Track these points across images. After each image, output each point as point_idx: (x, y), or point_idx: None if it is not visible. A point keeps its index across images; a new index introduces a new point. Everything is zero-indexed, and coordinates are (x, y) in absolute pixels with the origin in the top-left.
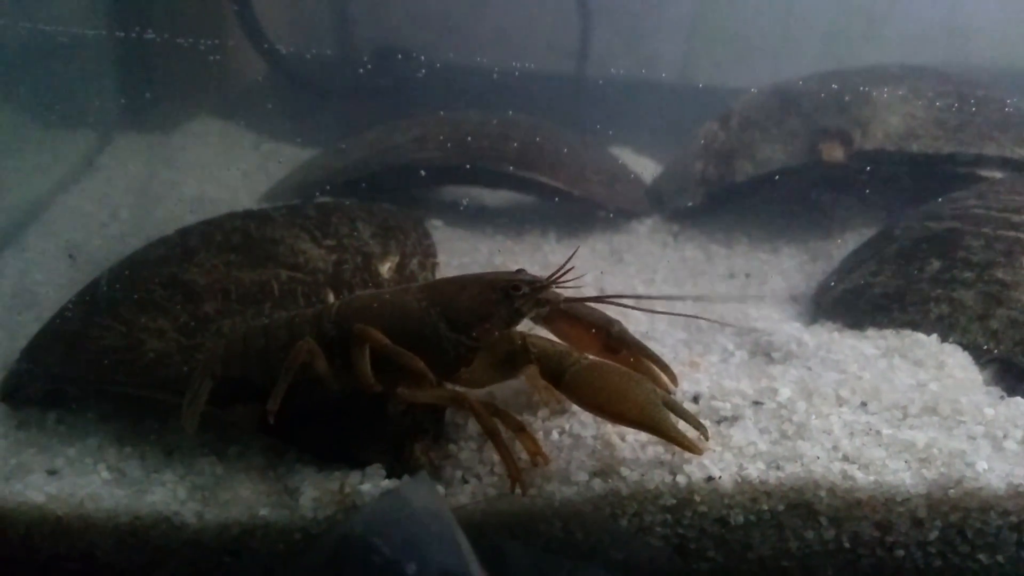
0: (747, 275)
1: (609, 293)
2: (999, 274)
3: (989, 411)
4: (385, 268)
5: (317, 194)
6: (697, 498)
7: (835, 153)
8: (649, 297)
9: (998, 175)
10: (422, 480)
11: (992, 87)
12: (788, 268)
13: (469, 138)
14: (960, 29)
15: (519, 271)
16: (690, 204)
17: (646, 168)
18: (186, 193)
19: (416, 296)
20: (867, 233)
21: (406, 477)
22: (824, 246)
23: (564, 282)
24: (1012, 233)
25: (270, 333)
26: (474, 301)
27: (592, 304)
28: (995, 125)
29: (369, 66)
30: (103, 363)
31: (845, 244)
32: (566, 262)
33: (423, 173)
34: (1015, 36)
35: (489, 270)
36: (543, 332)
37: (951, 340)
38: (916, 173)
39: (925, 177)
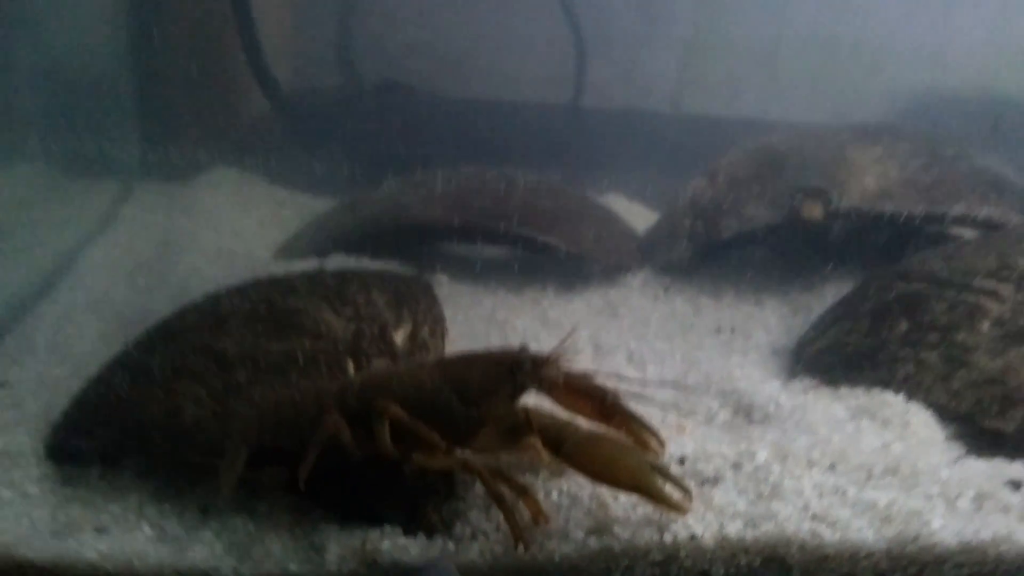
0: (732, 329)
1: (605, 352)
2: (960, 337)
3: (944, 472)
4: (399, 336)
5: (330, 252)
6: (682, 554)
7: (814, 211)
8: (640, 379)
9: (968, 233)
10: (444, 569)
11: (962, 146)
12: (771, 322)
13: (471, 198)
14: (945, 57)
15: (522, 348)
16: (679, 259)
17: (639, 215)
18: (205, 244)
19: (429, 372)
20: (845, 287)
21: (428, 558)
22: (806, 299)
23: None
24: (973, 298)
25: (299, 405)
26: (481, 378)
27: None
28: (963, 185)
29: (372, 101)
30: (144, 427)
31: (825, 298)
32: (565, 338)
33: (429, 232)
34: (998, 62)
35: (493, 325)
36: (546, 399)
37: (917, 399)
38: (891, 231)
39: (900, 234)
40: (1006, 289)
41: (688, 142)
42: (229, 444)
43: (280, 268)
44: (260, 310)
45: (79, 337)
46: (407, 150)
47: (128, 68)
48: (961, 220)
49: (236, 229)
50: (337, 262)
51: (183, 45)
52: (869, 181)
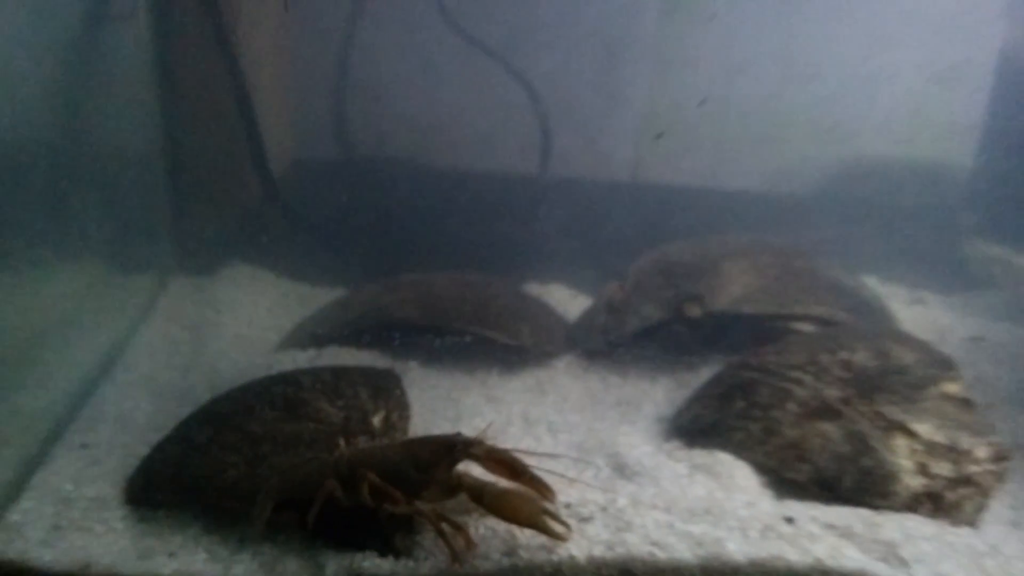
0: (628, 403)
1: (531, 423)
2: (775, 413)
3: (743, 511)
4: (376, 421)
5: (326, 344)
6: (564, 568)
7: (694, 311)
8: (546, 449)
9: (807, 328)
10: None
11: (812, 257)
12: (659, 397)
13: (437, 299)
14: (872, 127)
15: (457, 434)
16: (596, 346)
17: (579, 305)
18: (227, 332)
19: (395, 449)
20: (716, 370)
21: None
22: (688, 378)
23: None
24: (786, 384)
25: (307, 471)
26: (430, 454)
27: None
28: (804, 290)
29: (366, 173)
30: (198, 483)
31: (702, 378)
32: (486, 428)
33: (403, 327)
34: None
35: (448, 402)
36: (477, 466)
37: (742, 458)
38: (751, 327)
39: (758, 329)
40: (808, 378)
41: (646, 212)
42: (259, 497)
43: (287, 358)
44: (277, 401)
45: (136, 409)
46: (396, 222)
47: (161, 168)
48: (801, 318)
49: (251, 318)
50: (332, 352)
51: (205, 147)
52: (735, 288)
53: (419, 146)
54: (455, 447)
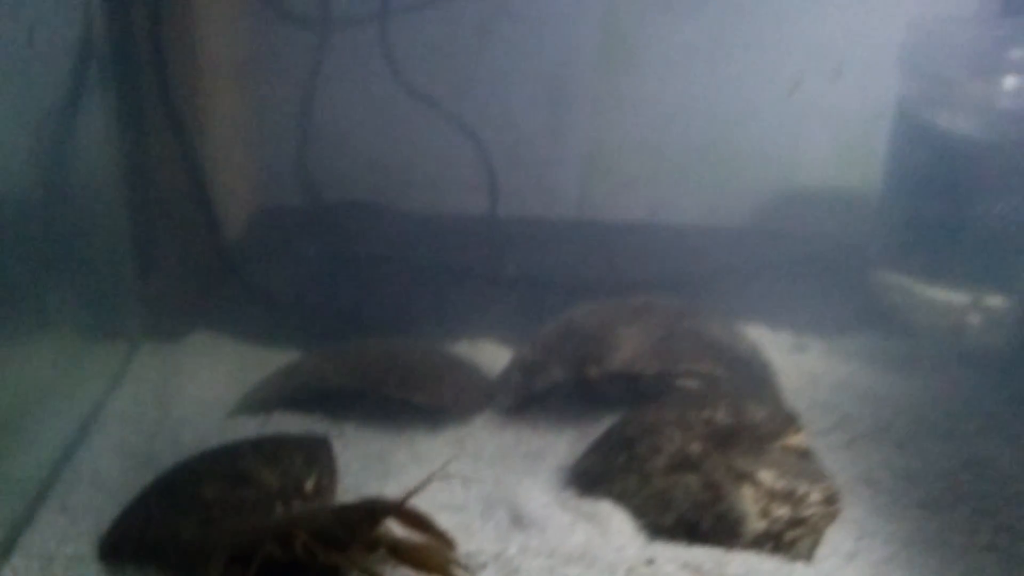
0: (536, 456)
1: (449, 476)
2: (648, 466)
3: (613, 556)
4: (309, 485)
5: (273, 409)
6: None
7: (593, 371)
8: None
9: (692, 382)
10: None
11: (700, 317)
12: (563, 450)
13: (370, 366)
14: (801, 159)
15: (378, 497)
16: (511, 403)
17: (505, 359)
18: (189, 397)
19: (325, 512)
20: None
21: None
22: (591, 431)
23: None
24: (659, 440)
25: (250, 532)
26: (354, 515)
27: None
28: (686, 349)
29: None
30: (159, 541)
31: (601, 429)
32: (406, 497)
33: (340, 393)
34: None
35: (379, 460)
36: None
37: (621, 506)
38: (644, 384)
39: (649, 386)
40: (677, 434)
41: (590, 248)
42: (211, 556)
43: (239, 424)
44: (225, 470)
45: (110, 473)
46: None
47: (127, 236)
48: (683, 374)
49: (211, 385)
50: (278, 416)
51: (167, 213)
52: (627, 350)
53: (376, 189)
54: (375, 511)
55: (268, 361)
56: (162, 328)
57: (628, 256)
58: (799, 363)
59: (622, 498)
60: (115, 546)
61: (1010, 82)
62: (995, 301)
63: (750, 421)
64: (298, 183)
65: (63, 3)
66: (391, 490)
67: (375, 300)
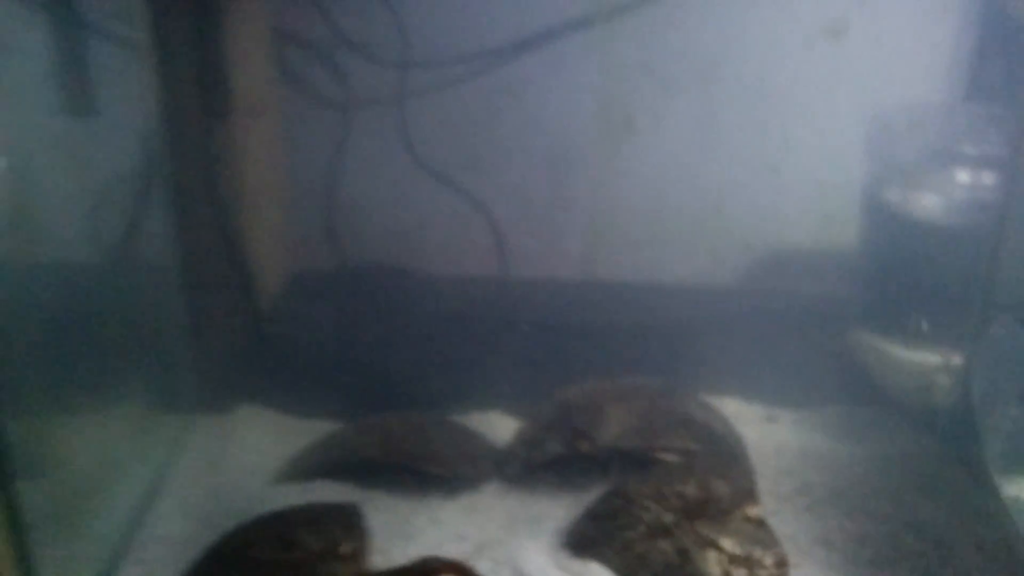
0: (537, 520)
1: (463, 539)
2: (630, 534)
3: None
4: (346, 548)
5: (314, 477)
6: None
7: (584, 446)
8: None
9: (670, 456)
10: None
11: (678, 396)
12: (561, 515)
13: (395, 439)
14: (784, 217)
15: (432, 557)
16: (515, 473)
17: (510, 428)
18: (239, 466)
19: (393, 572)
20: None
21: None
22: (585, 498)
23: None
24: (639, 511)
25: None
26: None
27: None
28: (664, 426)
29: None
30: None
31: (593, 497)
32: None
33: (370, 465)
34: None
35: (401, 526)
36: None
37: (608, 567)
38: (629, 457)
39: (634, 459)
40: (653, 506)
41: (595, 309)
42: None
43: (284, 490)
44: (273, 534)
45: (177, 533)
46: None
47: (182, 314)
48: (662, 449)
49: (259, 450)
50: (318, 483)
51: (215, 289)
52: (615, 427)
53: (396, 254)
54: (434, 569)
55: (307, 431)
56: (214, 401)
57: (628, 312)
58: (769, 434)
59: (609, 560)
60: None
61: (963, 175)
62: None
63: (715, 495)
64: (328, 249)
65: (129, 104)
66: (415, 551)
67: (401, 372)
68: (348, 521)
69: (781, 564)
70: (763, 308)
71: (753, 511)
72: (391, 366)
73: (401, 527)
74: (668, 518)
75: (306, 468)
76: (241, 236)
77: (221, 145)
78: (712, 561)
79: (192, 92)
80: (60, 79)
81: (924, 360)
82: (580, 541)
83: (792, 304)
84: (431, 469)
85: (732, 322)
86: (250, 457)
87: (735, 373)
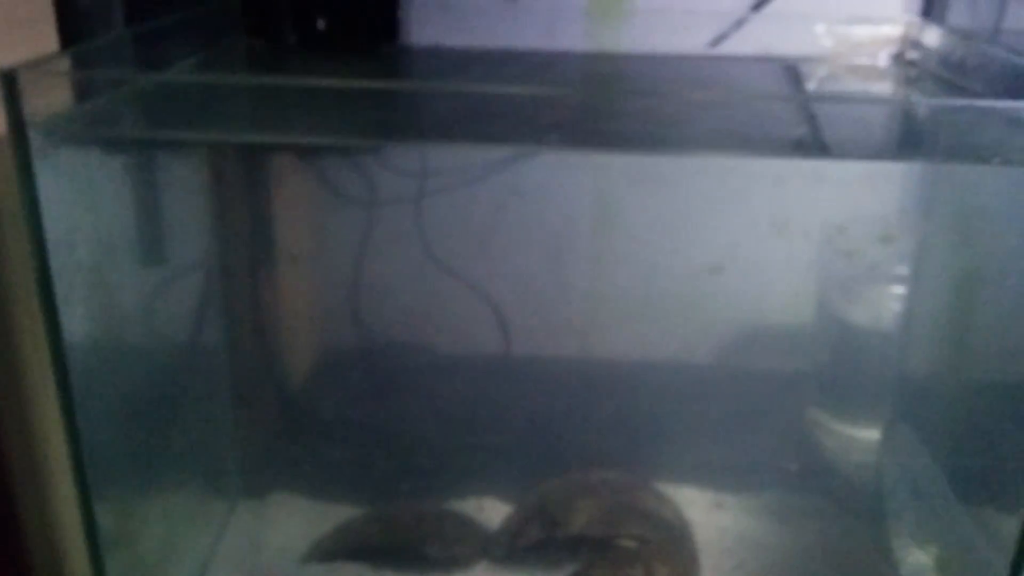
0: None
1: None
2: None
3: None
4: None
5: (337, 560)
6: None
7: (558, 533)
8: None
9: (629, 543)
10: None
11: (638, 489)
12: None
13: (396, 526)
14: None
15: None
16: (501, 555)
17: (501, 512)
18: (277, 545)
19: None
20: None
21: None
22: (559, 574)
23: None
24: None
25: None
26: None
27: None
28: (624, 515)
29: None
30: None
31: (566, 573)
32: None
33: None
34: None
35: None
36: None
37: None
38: (596, 542)
39: (600, 543)
40: None
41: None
42: None
43: (310, 570)
44: None
45: None
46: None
47: (228, 403)
48: (623, 536)
49: (289, 535)
50: (338, 565)
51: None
52: (584, 517)
53: (413, 336)
54: None
55: (331, 515)
56: (252, 487)
57: (621, 387)
58: (716, 521)
59: None
60: None
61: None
62: None
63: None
64: (352, 333)
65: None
66: None
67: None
68: None
69: None
70: (727, 390)
71: None
72: (402, 454)
73: None
74: None
75: (328, 551)
76: (272, 343)
77: (265, 285)
78: None
79: (243, 243)
80: (140, 233)
81: (871, 436)
82: None
83: (758, 383)
84: (430, 551)
85: (697, 413)
86: (282, 539)
87: (694, 460)
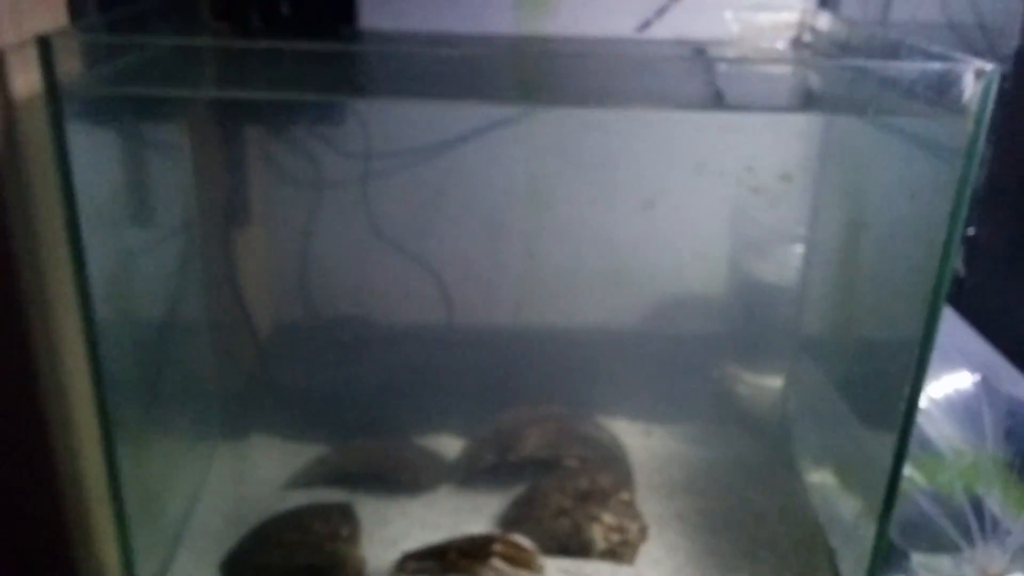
0: (478, 510)
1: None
2: (541, 514)
3: None
4: (344, 532)
5: (316, 485)
6: None
7: (511, 456)
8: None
9: (573, 462)
10: None
11: (578, 419)
12: (495, 504)
13: (368, 455)
14: None
15: (488, 534)
16: (460, 479)
17: (458, 447)
18: (259, 478)
19: (460, 540)
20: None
21: None
22: (512, 492)
23: None
24: (547, 499)
25: (311, 563)
26: (479, 541)
27: None
28: (567, 440)
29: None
30: (260, 566)
31: (518, 492)
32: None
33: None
34: None
35: (379, 519)
36: None
37: (529, 537)
38: (545, 463)
39: (547, 464)
40: (557, 495)
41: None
42: None
43: (293, 496)
44: (292, 523)
45: (218, 527)
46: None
47: (207, 361)
48: (567, 457)
49: (269, 468)
50: (317, 491)
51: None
52: (533, 442)
53: (360, 308)
54: (491, 539)
55: (304, 452)
56: (232, 430)
57: (548, 351)
58: (646, 445)
59: (527, 533)
60: (231, 568)
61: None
62: None
63: (599, 486)
64: (302, 305)
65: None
66: (391, 534)
67: (373, 404)
68: (344, 514)
69: (642, 530)
70: (652, 346)
71: (625, 496)
72: (365, 400)
73: (380, 518)
74: (567, 503)
75: (307, 479)
76: (246, 298)
77: (238, 242)
78: (596, 531)
79: (219, 204)
80: (129, 196)
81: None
82: (507, 522)
83: (676, 342)
84: (399, 477)
85: (625, 358)
86: (263, 473)
87: (624, 399)
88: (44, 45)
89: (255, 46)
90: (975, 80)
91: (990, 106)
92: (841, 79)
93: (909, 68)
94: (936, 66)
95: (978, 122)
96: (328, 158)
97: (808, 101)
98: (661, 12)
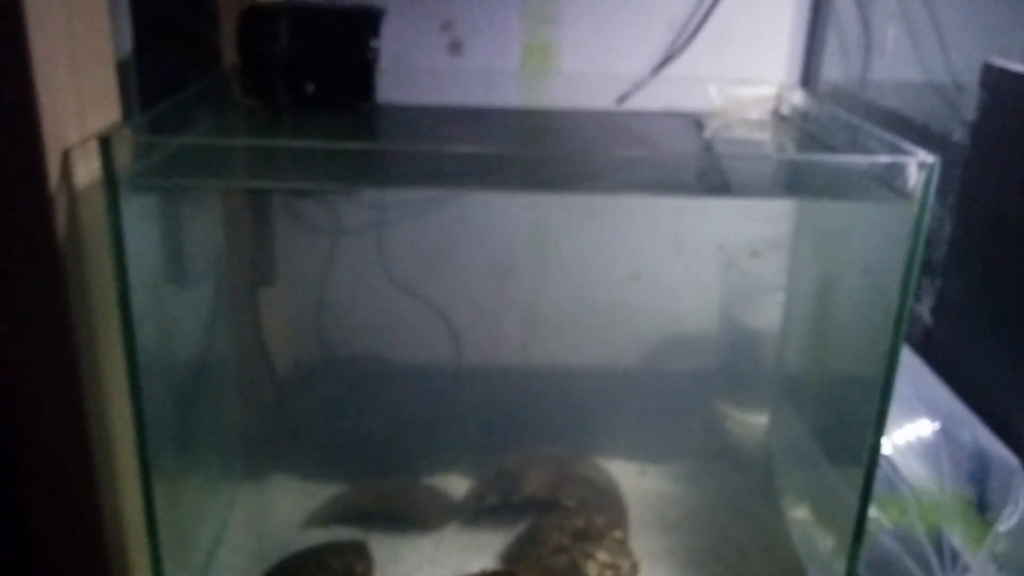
0: (481, 549)
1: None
2: (541, 551)
3: None
4: (359, 569)
5: (331, 523)
6: None
7: (513, 498)
8: None
9: (571, 502)
10: None
11: (576, 461)
12: (498, 542)
13: (380, 496)
14: None
15: (503, 569)
16: (466, 519)
17: (465, 487)
18: (279, 516)
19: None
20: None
21: None
22: (515, 530)
23: None
24: (546, 537)
25: None
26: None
27: None
28: (565, 483)
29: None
30: None
31: (520, 530)
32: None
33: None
34: None
35: (391, 556)
36: None
37: (529, 573)
38: (544, 504)
39: (547, 504)
40: (555, 533)
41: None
42: None
43: (310, 533)
44: (310, 560)
45: (240, 564)
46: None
47: (236, 397)
48: (565, 498)
49: (288, 508)
50: (333, 529)
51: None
52: (534, 484)
53: (372, 349)
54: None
55: (320, 492)
56: (254, 469)
57: (552, 389)
58: (640, 484)
59: (528, 569)
60: None
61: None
62: None
63: (595, 525)
64: (318, 346)
65: None
66: (406, 568)
67: (386, 445)
68: (358, 551)
69: (634, 566)
70: (647, 385)
71: (619, 534)
72: (377, 440)
73: (392, 555)
74: (565, 541)
75: (324, 518)
76: (268, 345)
77: (262, 297)
78: (592, 568)
79: (247, 266)
80: (166, 257)
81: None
82: (509, 558)
83: (670, 381)
84: (410, 516)
85: (622, 398)
86: (282, 511)
87: (620, 440)
88: (105, 145)
89: (281, 144)
90: (918, 170)
91: (932, 193)
92: (803, 169)
93: (860, 161)
94: (883, 159)
95: (922, 207)
96: (345, 210)
97: (774, 187)
98: (639, 86)
